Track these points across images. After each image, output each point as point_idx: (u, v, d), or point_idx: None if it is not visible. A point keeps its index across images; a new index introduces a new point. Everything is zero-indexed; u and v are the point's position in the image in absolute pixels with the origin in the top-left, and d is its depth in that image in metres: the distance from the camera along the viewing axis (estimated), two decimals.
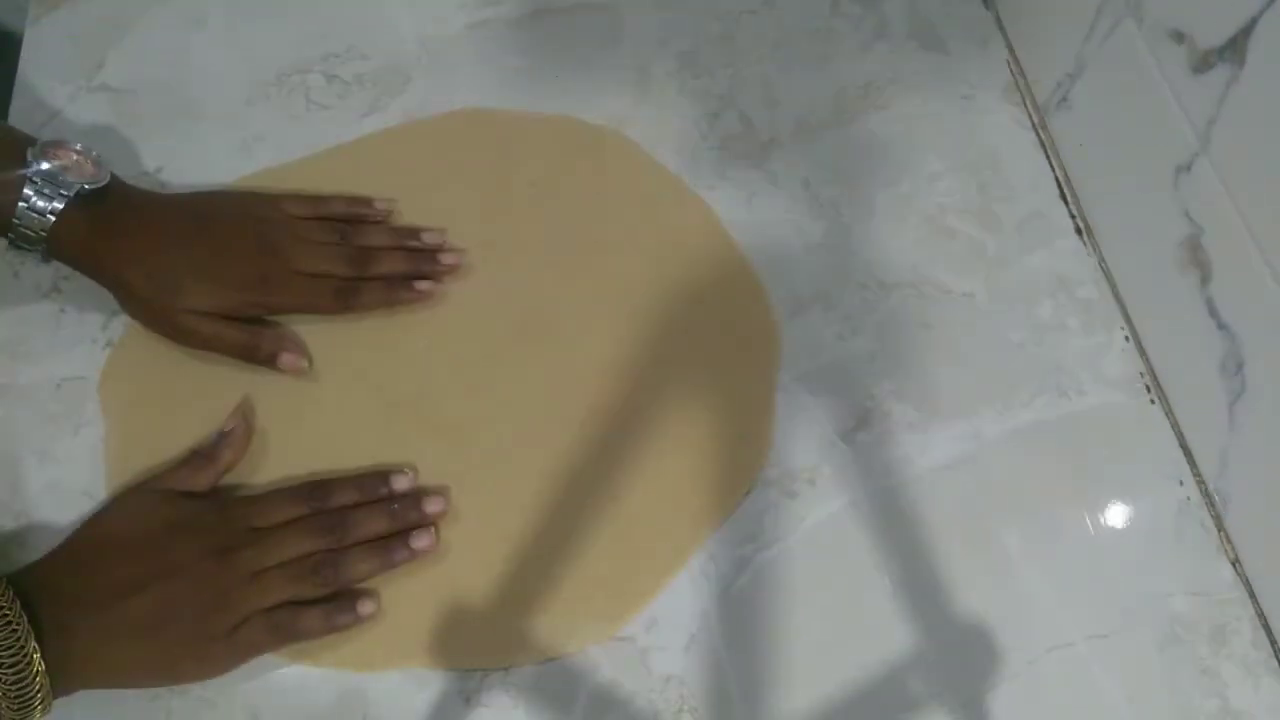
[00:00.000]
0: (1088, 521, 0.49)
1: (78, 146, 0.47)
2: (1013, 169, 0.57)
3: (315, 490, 0.45)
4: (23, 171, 0.45)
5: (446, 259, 0.51)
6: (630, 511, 0.47)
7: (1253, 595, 0.48)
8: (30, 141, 0.46)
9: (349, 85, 0.57)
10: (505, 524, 0.47)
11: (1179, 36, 0.45)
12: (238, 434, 0.47)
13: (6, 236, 0.46)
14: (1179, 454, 0.51)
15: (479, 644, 0.45)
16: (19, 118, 0.55)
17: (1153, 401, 0.52)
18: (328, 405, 0.49)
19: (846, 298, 0.53)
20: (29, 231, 0.45)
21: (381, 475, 0.46)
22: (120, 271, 0.47)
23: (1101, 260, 0.55)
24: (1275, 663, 0.47)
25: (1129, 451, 0.50)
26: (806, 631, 0.46)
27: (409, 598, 0.45)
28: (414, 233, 0.52)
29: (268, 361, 0.48)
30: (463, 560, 0.46)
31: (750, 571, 0.47)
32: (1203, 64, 0.44)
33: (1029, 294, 0.54)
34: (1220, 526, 0.49)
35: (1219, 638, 0.47)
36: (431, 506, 0.46)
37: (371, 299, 0.50)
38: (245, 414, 0.48)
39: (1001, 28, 0.61)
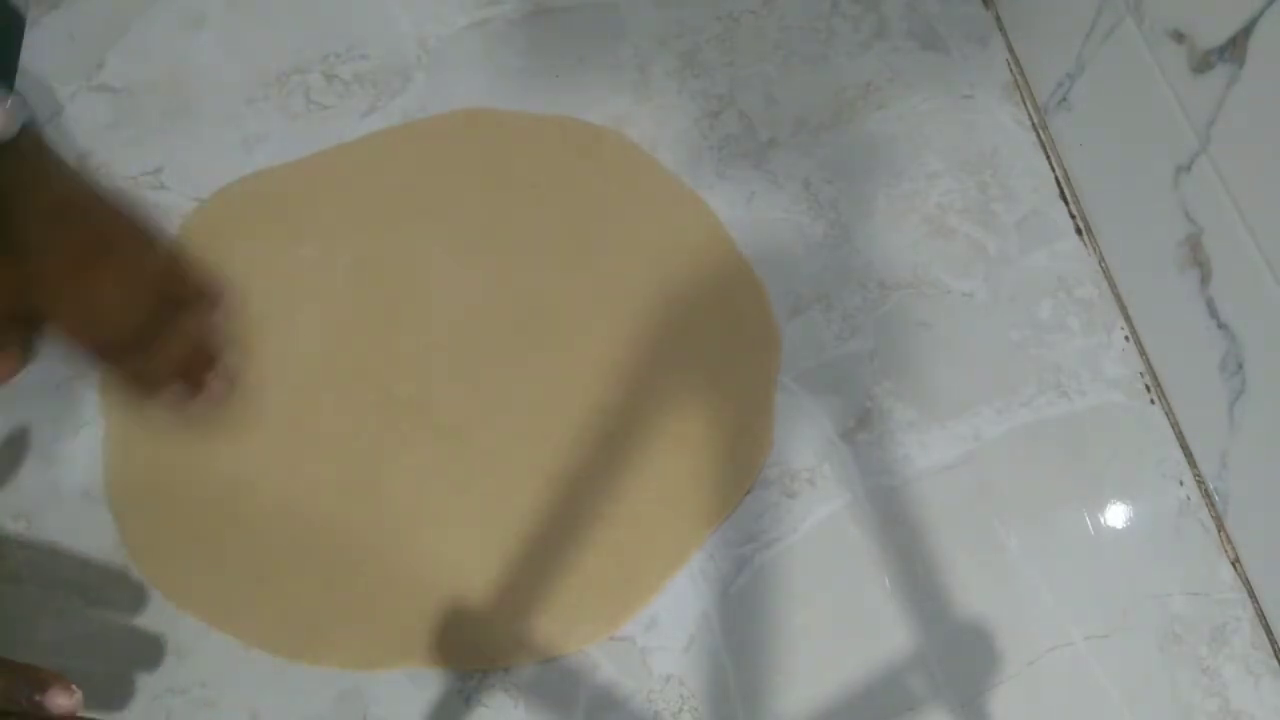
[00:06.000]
0: (1088, 521, 0.49)
1: None
2: (1013, 169, 0.57)
3: None
4: None
5: None
6: (630, 511, 0.47)
7: (1253, 595, 0.48)
8: None
9: (349, 85, 0.57)
10: (505, 524, 0.47)
11: (1179, 36, 0.45)
12: None
13: None
14: (1179, 454, 0.51)
15: (479, 644, 0.45)
16: None
17: (1153, 401, 0.52)
18: (327, 405, 0.49)
19: (846, 298, 0.53)
20: None
21: (40, 680, 0.34)
22: None
23: (1101, 260, 0.55)
24: (1275, 663, 0.47)
25: (1129, 451, 0.50)
26: (806, 631, 0.46)
27: (409, 598, 0.45)
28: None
29: None
30: (463, 560, 0.46)
31: (750, 571, 0.47)
32: (1203, 64, 0.44)
33: (1029, 294, 0.54)
34: (1220, 526, 0.49)
35: (1219, 638, 0.47)
36: None
37: None
38: None
39: (1001, 27, 0.61)
